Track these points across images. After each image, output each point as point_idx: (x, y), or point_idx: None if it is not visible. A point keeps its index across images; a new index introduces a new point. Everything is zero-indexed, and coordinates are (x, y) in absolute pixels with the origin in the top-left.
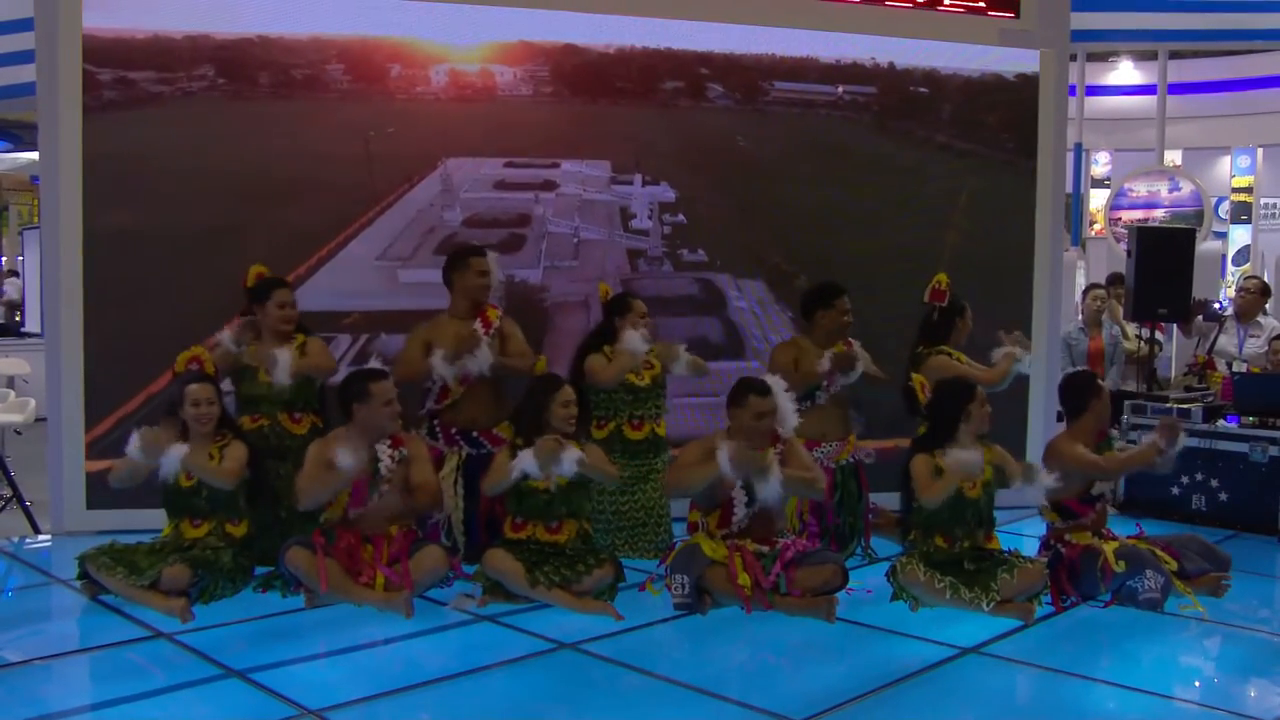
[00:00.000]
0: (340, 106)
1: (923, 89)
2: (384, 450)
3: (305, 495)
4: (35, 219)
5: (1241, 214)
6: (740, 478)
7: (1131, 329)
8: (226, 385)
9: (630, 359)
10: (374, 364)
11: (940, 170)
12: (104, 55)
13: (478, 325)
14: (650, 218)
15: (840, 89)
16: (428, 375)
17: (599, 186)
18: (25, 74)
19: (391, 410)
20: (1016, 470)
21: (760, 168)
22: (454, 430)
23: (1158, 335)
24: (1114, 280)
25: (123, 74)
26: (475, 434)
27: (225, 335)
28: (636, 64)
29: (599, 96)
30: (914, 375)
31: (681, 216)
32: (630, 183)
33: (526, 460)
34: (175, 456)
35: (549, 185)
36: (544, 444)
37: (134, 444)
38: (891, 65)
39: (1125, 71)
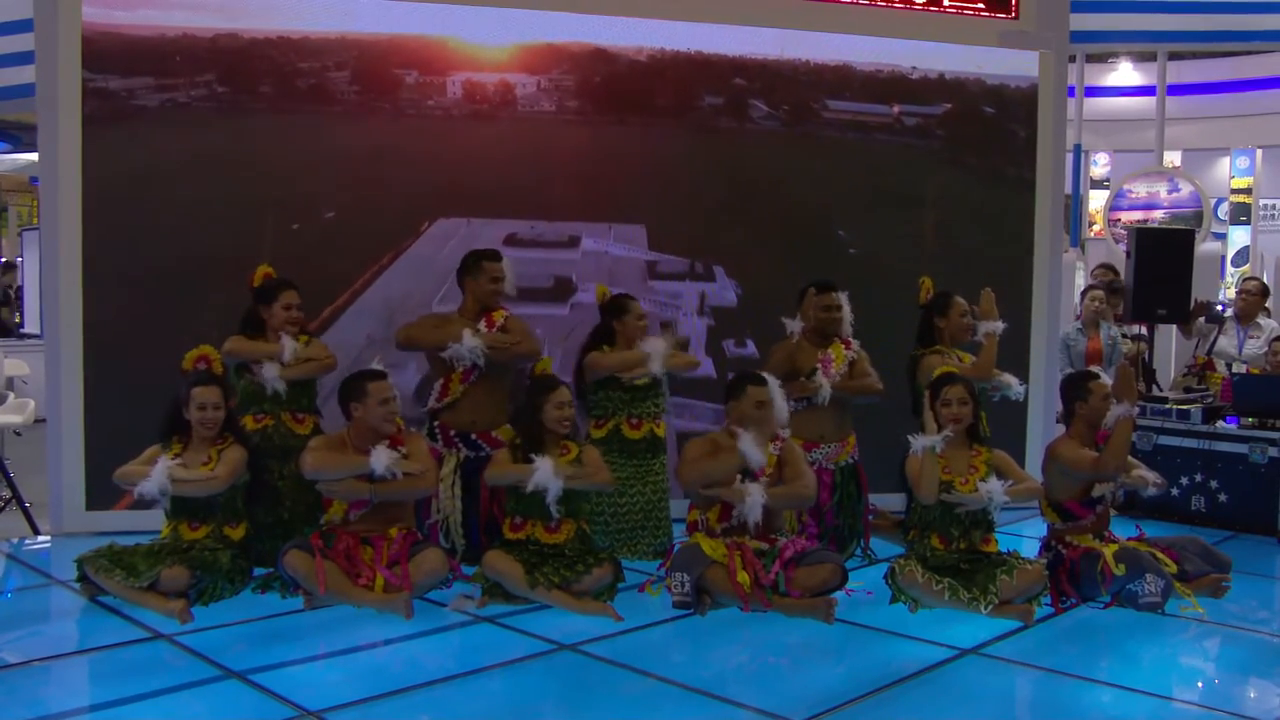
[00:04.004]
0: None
1: (922, 89)
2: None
3: (315, 470)
4: (35, 220)
5: (1241, 215)
6: (757, 464)
7: (1119, 330)
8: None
9: (639, 358)
10: None
11: (941, 171)
12: (104, 55)
13: (481, 325)
14: (705, 348)
15: (896, 108)
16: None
17: (633, 274)
18: (25, 74)
19: (387, 410)
20: (1020, 478)
21: (814, 205)
22: (452, 432)
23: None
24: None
25: (123, 75)
26: (474, 436)
27: (271, 375)
28: (668, 75)
29: (628, 115)
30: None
31: (751, 346)
32: (681, 278)
33: (545, 474)
34: (154, 483)
35: (563, 290)
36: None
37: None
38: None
39: (1124, 73)
